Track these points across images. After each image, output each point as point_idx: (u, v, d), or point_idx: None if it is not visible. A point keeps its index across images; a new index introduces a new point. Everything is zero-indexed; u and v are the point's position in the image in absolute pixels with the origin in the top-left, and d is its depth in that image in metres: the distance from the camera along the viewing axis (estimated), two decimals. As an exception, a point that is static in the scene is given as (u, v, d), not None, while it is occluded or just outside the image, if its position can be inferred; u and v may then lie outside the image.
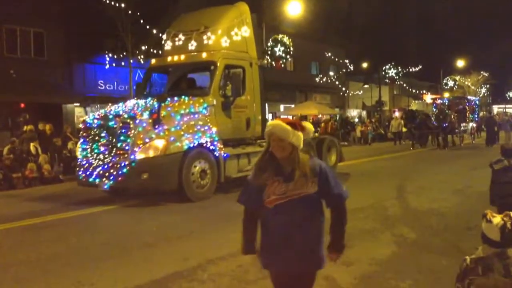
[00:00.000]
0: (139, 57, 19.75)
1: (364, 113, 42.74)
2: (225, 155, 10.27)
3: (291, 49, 26.88)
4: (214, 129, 10.14)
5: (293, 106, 33.01)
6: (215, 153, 10.07)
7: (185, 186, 9.35)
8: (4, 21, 18.77)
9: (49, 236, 7.03)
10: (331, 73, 37.54)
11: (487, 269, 2.80)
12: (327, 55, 35.93)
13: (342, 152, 14.68)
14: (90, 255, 6.02)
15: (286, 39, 26.55)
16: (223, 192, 10.29)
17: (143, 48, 19.51)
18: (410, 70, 42.84)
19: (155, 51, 20.42)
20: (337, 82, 36.93)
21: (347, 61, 37.60)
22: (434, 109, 26.78)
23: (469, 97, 31.89)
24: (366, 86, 40.73)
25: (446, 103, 27.42)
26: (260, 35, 26.25)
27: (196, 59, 10.97)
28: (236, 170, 10.62)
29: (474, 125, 27.40)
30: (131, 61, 18.79)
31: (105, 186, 9.31)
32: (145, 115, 9.43)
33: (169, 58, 11.40)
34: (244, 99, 11.05)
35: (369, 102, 42.78)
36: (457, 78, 49.51)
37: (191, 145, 9.57)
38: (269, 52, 26.21)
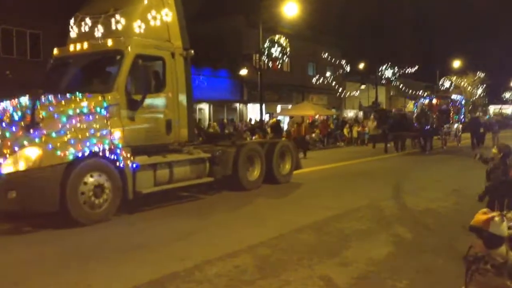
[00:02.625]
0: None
1: (361, 113, 42.82)
2: (134, 165, 8.35)
3: (288, 50, 26.97)
4: (117, 134, 8.19)
5: (290, 106, 33.04)
6: (118, 163, 8.11)
7: (71, 206, 7.38)
8: (0, 22, 18.73)
9: (44, 236, 7.01)
10: (328, 74, 37.60)
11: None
12: (323, 56, 36.01)
13: (299, 158, 13.44)
14: (86, 256, 6.00)
15: (282, 40, 26.64)
16: (216, 191, 10.27)
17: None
18: (407, 70, 42.98)
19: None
20: (333, 83, 37.01)
21: (343, 61, 37.68)
22: (415, 109, 25.28)
23: (453, 97, 29.69)
24: (362, 86, 40.82)
25: (426, 103, 25.76)
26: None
27: (100, 48, 8.92)
28: (151, 183, 8.78)
29: (460, 126, 25.75)
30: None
31: None
32: (16, 117, 7.64)
33: (71, 47, 9.36)
34: (163, 97, 9.26)
35: (366, 103, 42.88)
36: (454, 78, 49.71)
37: (80, 155, 7.54)
38: (265, 53, 26.30)
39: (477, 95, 55.90)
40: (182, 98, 9.68)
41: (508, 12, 72.21)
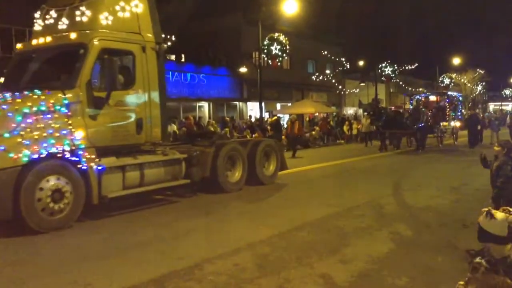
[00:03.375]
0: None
1: (360, 111, 42.79)
2: (99, 168, 7.79)
3: (287, 47, 26.91)
4: (79, 134, 7.63)
5: (289, 104, 33.05)
6: (81, 165, 7.55)
7: (26, 213, 6.83)
8: (-1, 20, 18.69)
9: (43, 236, 7.00)
10: (328, 71, 37.57)
11: (507, 271, 2.79)
12: (323, 53, 35.96)
13: (284, 158, 12.68)
14: (85, 254, 6.00)
15: (282, 38, 26.58)
16: (217, 192, 10.27)
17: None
18: (406, 68, 42.95)
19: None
20: (333, 80, 36.96)
21: (343, 59, 37.63)
22: (411, 106, 24.34)
23: (449, 93, 28.52)
24: (362, 84, 40.77)
25: (422, 100, 25.03)
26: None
27: (64, 41, 8.37)
28: (120, 186, 8.23)
29: (457, 124, 24.73)
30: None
31: None
32: None
33: (35, 41, 8.84)
34: (133, 94, 8.70)
35: (365, 100, 42.82)
36: (453, 75, 49.68)
37: (36, 156, 6.98)
38: (265, 51, 26.26)
39: (477, 92, 55.88)
40: (155, 95, 9.06)
41: (508, 8, 72.14)
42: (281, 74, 32.32)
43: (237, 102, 30.60)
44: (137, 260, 5.71)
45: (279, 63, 28.46)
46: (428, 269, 5.17)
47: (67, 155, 7.43)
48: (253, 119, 27.05)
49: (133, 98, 8.70)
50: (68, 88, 7.78)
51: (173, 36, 20.60)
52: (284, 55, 27.33)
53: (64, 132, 7.48)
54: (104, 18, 8.40)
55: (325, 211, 8.20)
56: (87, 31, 8.27)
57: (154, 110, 9.06)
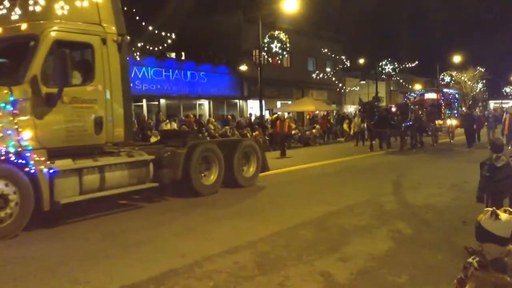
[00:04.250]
0: (135, 54, 19.69)
1: (352, 109, 42.78)
2: (50, 171, 7.07)
3: (288, 45, 26.90)
4: (26, 134, 6.96)
5: (290, 102, 33.05)
6: (29, 168, 6.87)
7: None
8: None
9: (43, 234, 7.01)
10: (328, 69, 37.54)
11: (501, 271, 2.79)
12: (323, 51, 35.93)
13: (266, 159, 11.84)
14: (85, 253, 6.01)
15: (282, 36, 26.58)
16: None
17: (139, 45, 19.45)
18: (407, 65, 42.92)
19: (151, 48, 20.43)
20: (333, 78, 36.94)
21: (343, 57, 37.61)
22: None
23: (445, 90, 27.47)
24: (362, 82, 40.76)
25: (415, 97, 24.21)
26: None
27: (15, 33, 7.72)
28: (76, 191, 7.52)
29: (454, 122, 23.83)
30: (127, 58, 18.70)
31: None
32: None
33: None
34: (91, 90, 7.97)
35: (366, 98, 42.71)
36: (454, 73, 49.63)
37: None
38: (265, 49, 26.25)
39: (477, 90, 55.86)
40: (117, 92, 8.35)
41: (508, 7, 72.04)
42: (282, 72, 32.32)
43: (237, 100, 30.60)
44: (136, 258, 5.70)
45: (279, 61, 28.46)
46: (428, 267, 5.18)
47: (12, 157, 6.74)
48: (253, 117, 27.05)
49: (91, 95, 7.96)
50: (15, 84, 7.09)
51: (173, 34, 20.57)
52: (285, 53, 27.33)
53: (9, 132, 6.80)
54: (60, 8, 7.70)
55: (325, 209, 8.20)
56: (40, 22, 7.61)
57: (116, 108, 8.36)
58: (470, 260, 2.82)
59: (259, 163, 11.28)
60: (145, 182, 8.81)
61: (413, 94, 26.24)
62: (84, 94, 7.87)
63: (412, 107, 20.92)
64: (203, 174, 9.95)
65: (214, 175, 10.11)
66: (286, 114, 29.55)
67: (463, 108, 34.95)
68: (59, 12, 7.71)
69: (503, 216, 2.82)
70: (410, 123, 19.77)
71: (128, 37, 8.76)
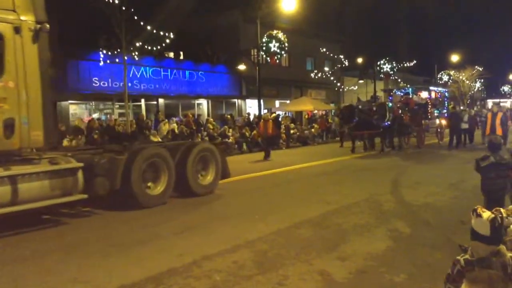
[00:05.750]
0: (133, 53, 19.70)
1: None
2: None
3: (286, 45, 26.91)
4: None
5: (288, 102, 33.07)
6: None
7: None
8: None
9: (43, 233, 7.01)
10: (326, 69, 37.57)
11: (486, 267, 2.82)
12: (322, 51, 35.95)
13: (227, 164, 10.73)
14: (85, 252, 6.02)
15: (281, 35, 26.58)
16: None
17: (137, 44, 19.47)
18: (405, 65, 42.95)
19: (149, 48, 20.42)
20: (332, 78, 36.97)
21: (342, 56, 37.64)
22: (390, 104, 21.18)
23: (431, 88, 26.00)
24: (361, 81, 40.80)
25: (402, 96, 22.80)
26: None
27: None
28: None
29: (443, 122, 22.49)
30: (126, 57, 18.71)
31: None
32: None
33: None
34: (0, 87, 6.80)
35: (364, 97, 42.78)
36: (452, 72, 49.67)
37: None
38: (264, 48, 26.26)
39: (475, 89, 55.91)
40: (34, 89, 7.17)
41: (506, 6, 72.15)
42: (280, 72, 32.34)
43: (236, 100, 30.60)
44: (136, 257, 5.72)
45: (277, 61, 28.49)
46: (427, 266, 5.19)
47: None
48: (251, 117, 27.06)
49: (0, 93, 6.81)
50: None
51: (171, 34, 20.57)
52: (283, 52, 27.34)
53: None
54: None
55: (324, 208, 8.22)
56: None
57: (34, 109, 7.15)
58: (458, 257, 2.87)
59: (218, 168, 10.15)
60: (72, 194, 7.58)
61: (398, 93, 24.92)
62: None
63: (390, 106, 19.61)
64: (149, 184, 8.81)
65: (163, 183, 8.94)
66: (282, 114, 29.59)
67: (461, 107, 34.89)
68: None
69: (485, 214, 2.86)
70: (388, 123, 18.56)
71: (48, 25, 7.36)
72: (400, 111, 19.38)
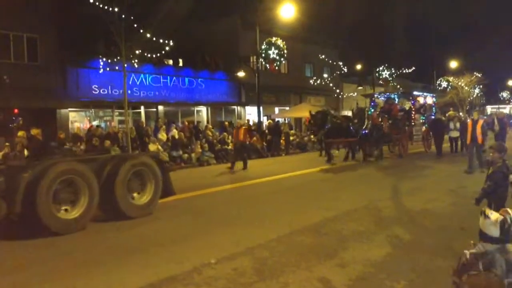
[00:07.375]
0: (133, 61, 19.74)
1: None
2: None
3: (285, 51, 26.98)
4: None
5: (288, 108, 33.12)
6: None
7: None
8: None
9: (41, 241, 6.99)
10: (325, 75, 37.66)
11: (489, 264, 2.84)
12: (320, 57, 36.06)
13: (170, 180, 9.45)
14: (84, 260, 6.00)
15: (279, 42, 26.66)
16: (218, 197, 10.22)
17: (137, 52, 19.51)
18: (404, 71, 43.07)
19: (149, 55, 20.48)
20: (331, 84, 37.04)
21: (340, 63, 37.75)
22: (372, 110, 19.92)
23: (415, 93, 24.20)
24: (360, 87, 40.85)
25: (387, 102, 21.59)
26: None
27: None
28: None
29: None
30: (125, 65, 18.74)
31: None
32: None
33: None
34: None
35: (363, 104, 42.86)
36: (451, 79, 49.78)
37: None
38: (263, 55, 26.33)
39: (474, 95, 56.01)
40: None
41: (505, 11, 72.46)
42: (279, 78, 32.40)
43: (235, 107, 30.64)
44: (135, 265, 5.70)
45: (276, 67, 28.54)
46: (427, 272, 5.19)
47: None
48: (251, 123, 27.08)
49: None
50: None
51: (171, 41, 20.63)
52: (282, 59, 27.40)
53: None
54: None
55: (323, 215, 8.21)
56: None
57: None
58: (466, 250, 2.89)
59: (158, 185, 8.88)
60: None
61: (381, 98, 23.44)
62: None
63: (369, 113, 18.44)
64: (63, 207, 7.52)
65: (82, 205, 7.65)
66: (281, 120, 29.58)
67: (461, 113, 34.82)
68: None
69: (493, 216, 2.88)
70: (366, 131, 17.46)
71: None
72: (380, 119, 18.26)
